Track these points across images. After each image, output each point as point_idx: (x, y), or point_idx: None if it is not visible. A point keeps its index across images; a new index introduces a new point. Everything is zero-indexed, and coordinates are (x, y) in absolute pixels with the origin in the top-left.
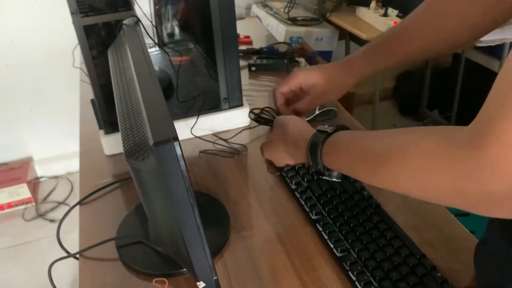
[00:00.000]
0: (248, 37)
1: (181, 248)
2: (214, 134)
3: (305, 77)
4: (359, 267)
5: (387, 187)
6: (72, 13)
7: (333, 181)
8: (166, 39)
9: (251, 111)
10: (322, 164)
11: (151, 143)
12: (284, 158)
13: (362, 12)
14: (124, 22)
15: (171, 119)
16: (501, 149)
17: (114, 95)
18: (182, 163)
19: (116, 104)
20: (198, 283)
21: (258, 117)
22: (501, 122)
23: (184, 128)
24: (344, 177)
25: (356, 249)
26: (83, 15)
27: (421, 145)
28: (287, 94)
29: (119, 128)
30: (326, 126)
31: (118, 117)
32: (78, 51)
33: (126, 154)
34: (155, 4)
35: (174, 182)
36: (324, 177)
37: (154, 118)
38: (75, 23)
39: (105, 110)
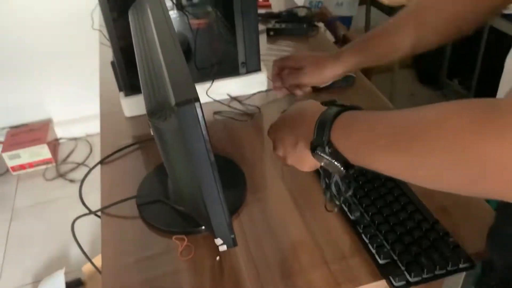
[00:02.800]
0: (267, 0)
1: (200, 206)
2: (231, 98)
3: (297, 57)
4: (372, 231)
5: (415, 169)
6: None
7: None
8: (184, 2)
9: None
10: (328, 139)
11: (173, 103)
12: (284, 137)
13: None
14: None
15: (192, 81)
16: None
17: (136, 57)
18: (202, 123)
19: (138, 65)
20: (216, 240)
21: None
22: None
23: (201, 92)
24: (347, 166)
25: (370, 213)
26: None
27: (462, 114)
28: (281, 69)
29: (141, 88)
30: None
31: (140, 78)
32: (96, 13)
33: (149, 114)
34: None
35: (195, 141)
36: (322, 167)
37: (176, 79)
38: None
39: (125, 72)
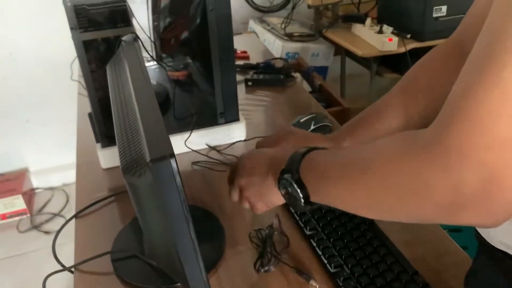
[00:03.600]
0: (245, 52)
1: (175, 263)
2: (210, 147)
3: (288, 136)
4: (352, 283)
5: (364, 204)
6: (72, 28)
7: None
8: (163, 55)
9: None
10: (297, 168)
11: (148, 159)
12: (253, 176)
13: (358, 29)
14: (123, 38)
15: (168, 136)
16: (466, 127)
17: (112, 110)
18: (178, 179)
19: (113, 120)
20: None
21: None
22: (467, 101)
23: (180, 142)
24: (307, 200)
25: (350, 265)
26: (82, 30)
27: (385, 151)
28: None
29: (117, 143)
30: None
31: (115, 132)
32: (76, 64)
33: (123, 170)
34: (153, 20)
35: (170, 198)
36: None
37: (151, 134)
38: (74, 38)
39: (102, 123)
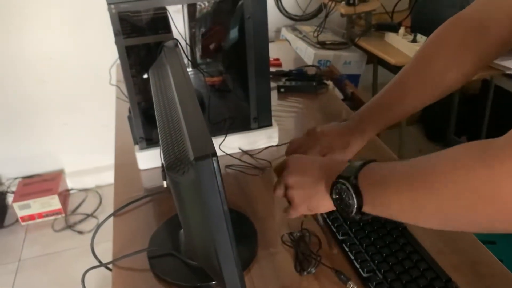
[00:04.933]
0: (277, 59)
1: (213, 260)
2: (243, 151)
3: (320, 137)
4: None
5: (429, 213)
6: (116, 34)
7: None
8: (199, 60)
9: None
10: (356, 173)
11: (192, 158)
12: (304, 199)
13: (391, 38)
14: (165, 44)
15: (210, 136)
16: None
17: (155, 112)
18: (219, 177)
19: (157, 121)
20: None
21: None
22: None
23: (214, 146)
24: (360, 208)
25: (382, 270)
26: (125, 36)
27: (455, 159)
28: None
29: (160, 143)
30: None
31: (159, 133)
32: (114, 69)
33: (167, 168)
34: (191, 27)
35: (211, 195)
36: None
37: (194, 134)
38: (117, 43)
39: (141, 126)
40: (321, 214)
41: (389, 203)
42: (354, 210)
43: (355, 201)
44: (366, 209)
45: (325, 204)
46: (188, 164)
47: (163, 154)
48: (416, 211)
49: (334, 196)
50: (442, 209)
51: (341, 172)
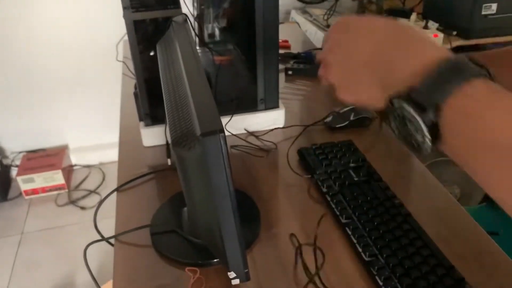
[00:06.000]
0: (286, 41)
1: (216, 238)
2: (248, 133)
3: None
4: (386, 273)
5: None
6: (125, 8)
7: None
8: (207, 39)
9: None
10: (443, 98)
11: (198, 133)
12: (363, 82)
13: None
14: (174, 19)
15: (218, 112)
16: None
17: (162, 88)
18: (225, 154)
19: (164, 96)
20: (229, 273)
21: None
22: None
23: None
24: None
25: (385, 255)
26: (134, 10)
27: None
28: None
29: (167, 118)
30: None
31: (165, 107)
32: (121, 45)
33: (173, 143)
34: (200, 5)
35: (217, 171)
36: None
37: (202, 110)
38: (126, 17)
39: (147, 103)
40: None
41: (480, 171)
42: (420, 144)
43: (426, 139)
44: (448, 145)
45: (377, 105)
46: (195, 139)
47: (169, 129)
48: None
49: (394, 110)
50: None
51: (419, 83)
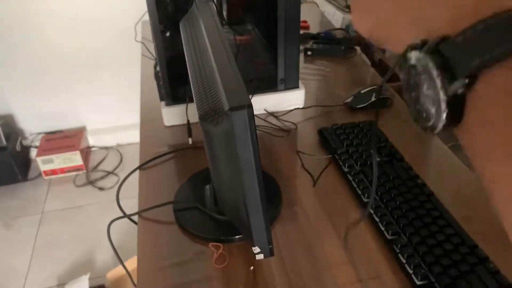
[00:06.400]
0: (305, 21)
1: (241, 213)
2: (268, 113)
3: None
4: (409, 251)
5: None
6: None
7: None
8: (227, 19)
9: None
10: (480, 67)
11: (226, 108)
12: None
13: None
14: None
15: (245, 87)
16: None
17: (188, 65)
18: (253, 129)
19: (189, 72)
20: (253, 248)
21: None
22: None
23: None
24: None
25: (408, 233)
26: None
27: None
28: None
29: (193, 94)
30: None
31: (192, 84)
32: (140, 26)
33: (201, 118)
34: None
35: (244, 146)
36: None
37: (229, 85)
38: None
39: (167, 82)
40: None
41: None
42: (430, 118)
43: (443, 114)
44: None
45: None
46: (223, 114)
47: (196, 105)
48: None
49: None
50: None
51: (457, 34)
